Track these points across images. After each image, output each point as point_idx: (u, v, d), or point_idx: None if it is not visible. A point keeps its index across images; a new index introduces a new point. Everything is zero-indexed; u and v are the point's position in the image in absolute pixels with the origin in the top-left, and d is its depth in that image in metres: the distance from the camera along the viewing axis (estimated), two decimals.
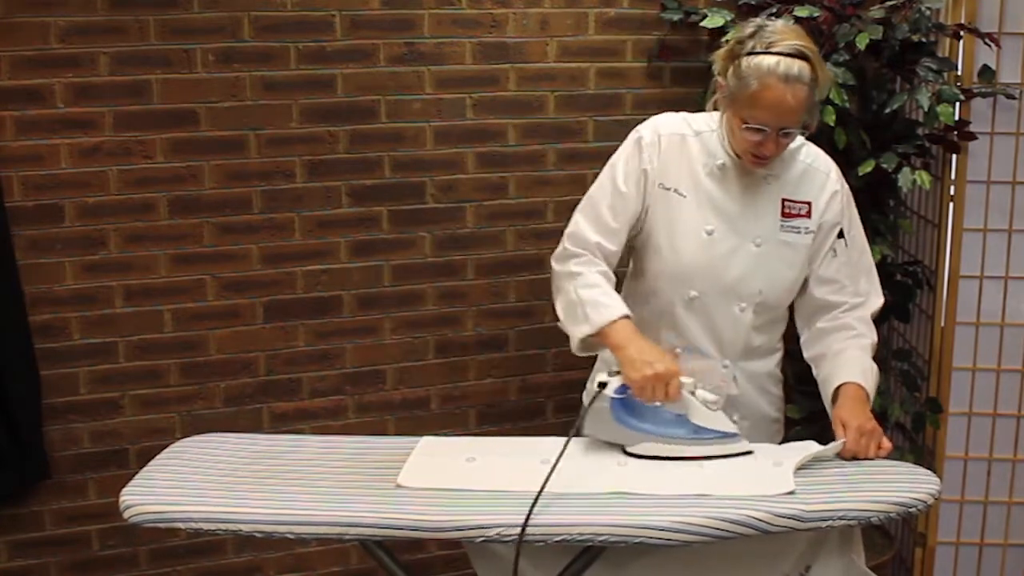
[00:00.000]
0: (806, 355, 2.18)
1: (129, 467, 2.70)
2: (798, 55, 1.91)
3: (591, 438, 2.00)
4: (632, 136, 2.15)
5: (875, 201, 2.82)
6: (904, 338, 3.11)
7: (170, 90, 2.62)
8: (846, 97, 2.59)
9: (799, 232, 2.10)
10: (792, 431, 2.82)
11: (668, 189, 2.09)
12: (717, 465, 1.89)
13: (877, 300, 2.17)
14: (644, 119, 2.92)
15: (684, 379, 1.91)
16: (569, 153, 2.93)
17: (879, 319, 2.97)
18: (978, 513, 2.90)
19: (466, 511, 1.73)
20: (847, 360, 2.06)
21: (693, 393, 1.92)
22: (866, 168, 2.65)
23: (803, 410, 2.87)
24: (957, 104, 2.67)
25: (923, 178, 2.63)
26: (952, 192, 2.79)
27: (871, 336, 2.12)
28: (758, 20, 2.01)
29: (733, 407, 2.13)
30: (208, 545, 2.84)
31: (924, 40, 2.70)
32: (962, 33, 2.69)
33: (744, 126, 1.97)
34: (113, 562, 2.79)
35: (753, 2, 2.82)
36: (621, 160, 2.13)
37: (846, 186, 2.17)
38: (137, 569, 2.82)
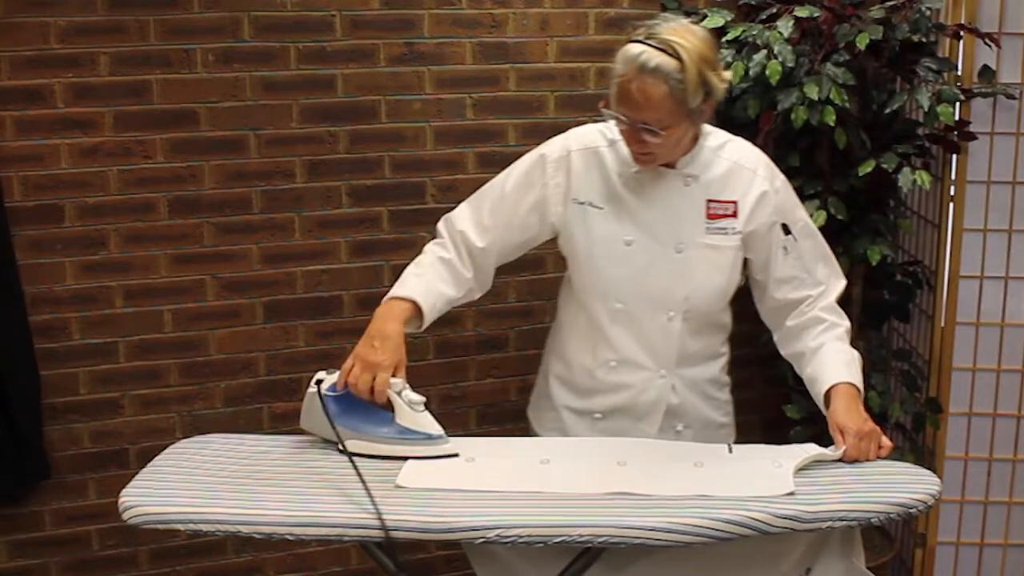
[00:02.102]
0: (783, 353, 2.16)
1: (129, 467, 2.70)
2: (667, 50, 1.84)
3: (587, 440, 2.03)
4: (536, 151, 2.10)
5: (875, 201, 2.82)
6: (904, 338, 3.11)
7: (170, 90, 2.62)
8: (846, 97, 2.59)
9: (726, 233, 2.04)
10: (792, 431, 2.83)
11: (582, 203, 2.05)
12: (718, 466, 1.89)
13: (838, 283, 2.14)
14: None
15: (394, 379, 1.90)
16: None
17: (880, 319, 3.00)
18: (978, 513, 2.90)
19: (465, 512, 1.73)
20: (828, 358, 2.03)
21: (400, 393, 1.92)
22: (866, 168, 2.65)
23: (803, 410, 2.87)
24: (957, 104, 2.67)
25: (923, 178, 2.63)
26: (952, 192, 2.79)
27: (843, 323, 2.09)
28: (667, 14, 1.96)
29: (675, 416, 2.13)
30: (208, 545, 2.85)
31: (924, 40, 2.69)
32: (962, 33, 2.69)
33: (611, 112, 1.93)
34: (113, 562, 2.79)
35: (753, 2, 2.82)
36: (517, 168, 2.10)
37: (780, 178, 2.10)
38: (137, 569, 2.82)
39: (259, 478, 1.88)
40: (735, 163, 2.06)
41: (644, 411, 2.13)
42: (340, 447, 1.90)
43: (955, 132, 2.71)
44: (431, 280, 2.05)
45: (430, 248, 2.12)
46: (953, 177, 2.78)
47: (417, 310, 2.01)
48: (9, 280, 2.54)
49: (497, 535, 1.69)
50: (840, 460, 1.89)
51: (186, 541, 2.80)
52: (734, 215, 2.04)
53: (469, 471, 1.88)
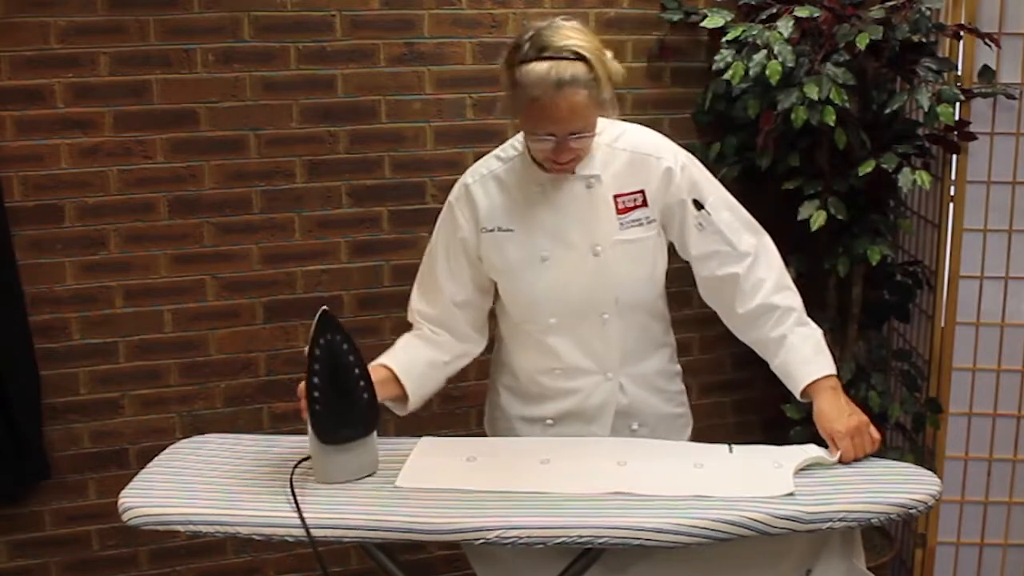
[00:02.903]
0: (742, 339, 2.11)
1: (129, 467, 2.70)
2: (571, 56, 1.81)
3: (587, 440, 2.03)
4: (445, 204, 2.11)
5: (875, 201, 2.82)
6: (904, 338, 3.11)
7: (170, 90, 2.62)
8: (846, 97, 2.59)
9: (641, 224, 2.01)
10: (792, 431, 2.83)
11: (491, 230, 2.03)
12: (718, 466, 1.89)
13: (766, 245, 2.06)
14: (644, 119, 2.94)
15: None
16: None
17: (880, 319, 3.00)
18: (978, 513, 2.90)
19: (465, 513, 1.73)
20: (795, 351, 2.00)
21: None
22: (866, 168, 2.65)
23: (803, 410, 2.87)
24: (957, 104, 2.67)
25: (923, 178, 2.62)
26: (952, 192, 2.78)
27: (795, 303, 2.04)
28: (537, 24, 1.87)
29: (627, 416, 2.12)
30: (208, 545, 2.85)
31: (924, 40, 2.69)
32: (962, 33, 2.68)
33: (533, 137, 1.88)
34: (113, 562, 2.80)
35: (753, 2, 2.81)
36: (437, 227, 2.12)
37: (683, 154, 2.05)
38: (137, 569, 2.82)
39: (259, 478, 1.88)
40: (634, 152, 2.02)
41: (593, 414, 2.12)
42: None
43: (955, 132, 2.71)
44: (399, 350, 2.08)
45: (402, 336, 2.15)
46: (953, 177, 2.78)
47: (390, 373, 2.02)
48: (9, 280, 2.55)
49: (497, 536, 1.69)
50: (839, 462, 1.89)
51: (186, 541, 2.80)
52: (644, 204, 2.02)
53: (469, 471, 1.88)
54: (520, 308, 2.08)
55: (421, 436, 2.06)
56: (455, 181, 2.83)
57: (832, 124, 2.59)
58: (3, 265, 2.53)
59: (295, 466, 1.88)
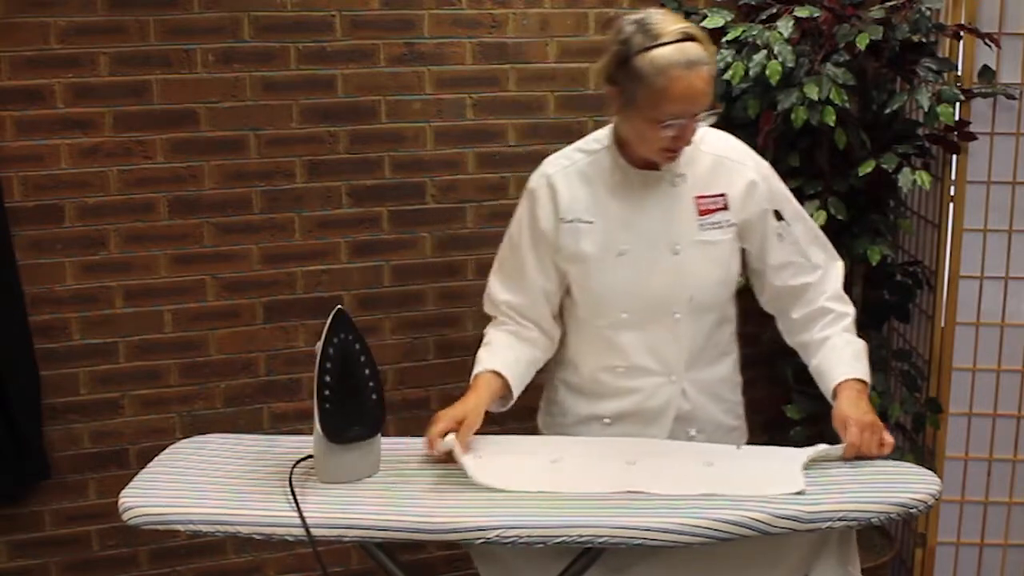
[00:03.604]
0: (788, 342, 2.15)
1: (129, 467, 2.70)
2: (689, 38, 1.85)
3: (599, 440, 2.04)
4: (524, 191, 2.11)
5: (875, 201, 2.82)
6: (904, 338, 3.11)
7: (170, 90, 2.62)
8: (846, 97, 2.59)
9: (720, 227, 2.03)
10: (792, 431, 2.83)
11: (571, 221, 2.03)
12: (727, 464, 1.88)
13: (836, 264, 2.12)
14: None
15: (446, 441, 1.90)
16: None
17: (880, 319, 3.00)
18: (978, 513, 2.90)
19: (465, 512, 1.73)
20: (835, 351, 2.03)
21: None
22: (866, 168, 2.65)
23: (803, 411, 2.88)
24: (957, 104, 2.67)
25: (923, 178, 2.63)
26: (952, 192, 2.78)
27: (849, 311, 2.08)
28: (632, 16, 1.90)
29: (686, 421, 2.12)
30: (208, 545, 2.85)
31: (924, 40, 2.69)
32: (962, 33, 2.68)
33: (661, 125, 1.88)
34: (113, 562, 2.79)
35: (753, 2, 2.82)
36: (516, 217, 2.11)
37: (764, 165, 2.09)
38: (137, 569, 2.82)
39: (259, 478, 1.88)
40: (718, 155, 2.05)
41: (652, 416, 2.11)
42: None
43: (955, 132, 2.71)
44: (501, 350, 2.08)
45: (489, 330, 2.15)
46: (953, 177, 2.78)
47: (499, 377, 2.03)
48: (9, 280, 2.54)
49: (497, 535, 1.69)
50: (843, 456, 1.88)
51: (186, 541, 2.80)
52: (725, 207, 2.03)
53: (477, 467, 1.87)
54: (592, 301, 2.08)
55: (421, 436, 2.06)
56: (455, 181, 2.87)
57: (832, 124, 2.59)
58: (3, 265, 2.53)
59: (294, 465, 1.88)
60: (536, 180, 2.08)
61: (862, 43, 2.56)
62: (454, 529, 1.70)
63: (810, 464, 1.87)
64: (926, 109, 2.59)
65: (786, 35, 2.62)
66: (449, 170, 2.86)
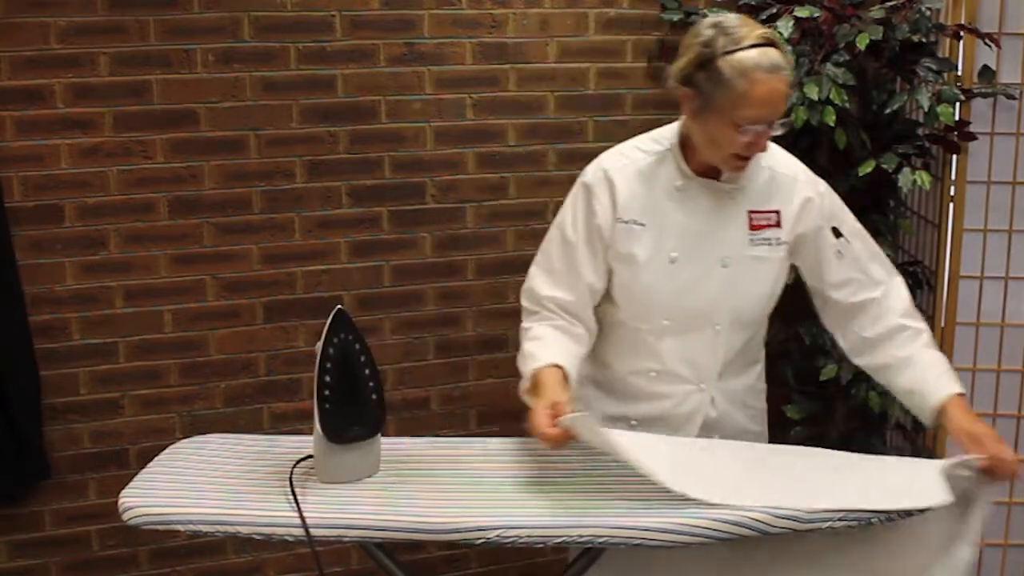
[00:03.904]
0: (856, 362, 2.10)
1: (129, 467, 2.70)
2: (770, 43, 1.84)
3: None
4: (577, 184, 2.07)
5: (875, 201, 2.82)
6: None
7: (170, 90, 2.62)
8: (846, 97, 2.59)
9: (770, 244, 2.02)
10: (792, 431, 2.83)
11: (627, 222, 2.01)
12: (863, 475, 1.84)
13: (898, 280, 2.10)
14: (644, 119, 2.95)
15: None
16: (569, 153, 2.93)
17: None
18: None
19: (465, 512, 1.73)
20: (926, 368, 1.99)
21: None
22: (866, 168, 2.65)
23: (803, 411, 2.88)
24: (957, 104, 2.67)
25: (923, 178, 2.63)
26: (952, 192, 2.78)
27: (924, 327, 2.05)
28: (710, 19, 1.90)
29: (712, 429, 2.12)
30: (208, 545, 2.85)
31: (924, 40, 2.69)
32: (962, 33, 2.68)
33: (738, 130, 1.86)
34: (113, 562, 2.79)
35: (753, 2, 2.82)
36: (568, 209, 2.07)
37: (820, 183, 2.07)
38: (137, 569, 2.82)
39: (259, 478, 1.88)
40: (774, 171, 2.03)
41: (680, 422, 2.12)
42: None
43: (955, 132, 2.71)
44: (554, 344, 2.01)
45: (532, 323, 2.07)
46: (953, 177, 2.78)
47: (558, 369, 1.95)
48: (9, 280, 2.54)
49: (497, 535, 1.69)
50: (980, 470, 1.79)
51: (186, 541, 2.80)
52: (777, 224, 2.02)
53: (635, 439, 1.84)
54: (635, 304, 2.06)
55: (421, 436, 2.06)
56: (455, 181, 2.87)
57: (832, 124, 2.59)
58: (3, 265, 2.53)
59: (295, 465, 1.88)
60: (593, 174, 2.04)
61: (862, 43, 2.56)
62: (454, 529, 1.70)
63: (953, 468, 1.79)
64: (926, 109, 2.59)
65: (786, 35, 2.62)
66: (449, 170, 2.86)
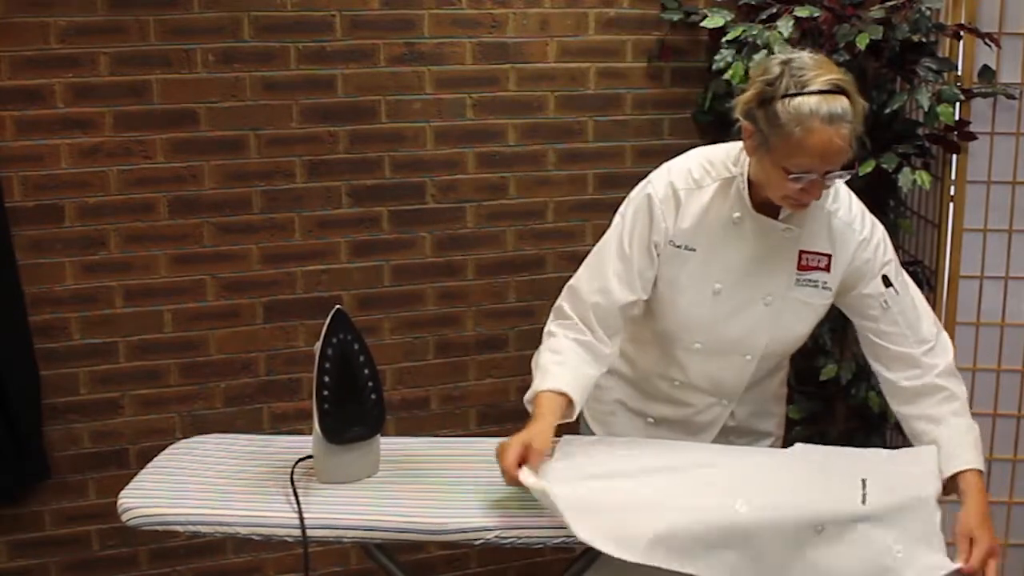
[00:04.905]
0: (891, 403, 2.04)
1: (129, 467, 2.70)
2: (837, 91, 1.76)
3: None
4: (642, 190, 1.99)
5: (875, 201, 2.81)
6: None
7: (170, 90, 2.62)
8: None
9: (816, 286, 1.97)
10: (792, 431, 2.82)
11: (679, 247, 1.96)
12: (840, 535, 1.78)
13: (944, 336, 2.02)
14: (644, 119, 2.95)
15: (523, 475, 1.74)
16: (569, 153, 2.93)
17: None
18: None
19: (465, 513, 1.73)
20: (955, 436, 1.92)
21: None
22: (866, 168, 2.65)
23: (803, 411, 2.88)
24: (957, 104, 2.67)
25: (923, 178, 2.63)
26: (952, 192, 2.78)
27: (962, 392, 1.98)
28: (782, 56, 1.83)
29: (731, 432, 2.13)
30: (208, 545, 2.84)
31: (924, 40, 2.69)
32: (962, 33, 2.68)
33: (789, 176, 1.79)
34: (113, 562, 2.79)
35: (753, 2, 2.82)
36: (629, 218, 1.99)
37: (878, 230, 2.01)
38: (137, 569, 2.82)
39: (258, 479, 1.88)
40: (832, 214, 1.97)
41: (698, 428, 2.13)
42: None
43: (955, 132, 2.71)
44: (573, 366, 1.94)
45: (560, 332, 1.99)
46: (953, 177, 2.78)
47: (564, 396, 1.89)
48: (9, 280, 2.54)
49: (497, 535, 1.69)
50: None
51: (186, 541, 2.80)
52: (827, 268, 1.97)
53: (567, 503, 1.69)
54: (672, 324, 2.04)
55: (420, 436, 2.06)
56: (455, 181, 2.87)
57: None
58: (3, 265, 2.53)
59: (295, 464, 1.88)
60: (662, 189, 1.97)
61: (862, 43, 2.56)
62: (454, 529, 1.71)
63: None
64: (926, 109, 2.59)
65: (786, 35, 2.62)
66: (449, 170, 2.86)
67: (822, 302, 1.99)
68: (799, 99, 1.74)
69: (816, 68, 1.78)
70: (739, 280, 1.97)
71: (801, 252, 1.96)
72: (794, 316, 2.00)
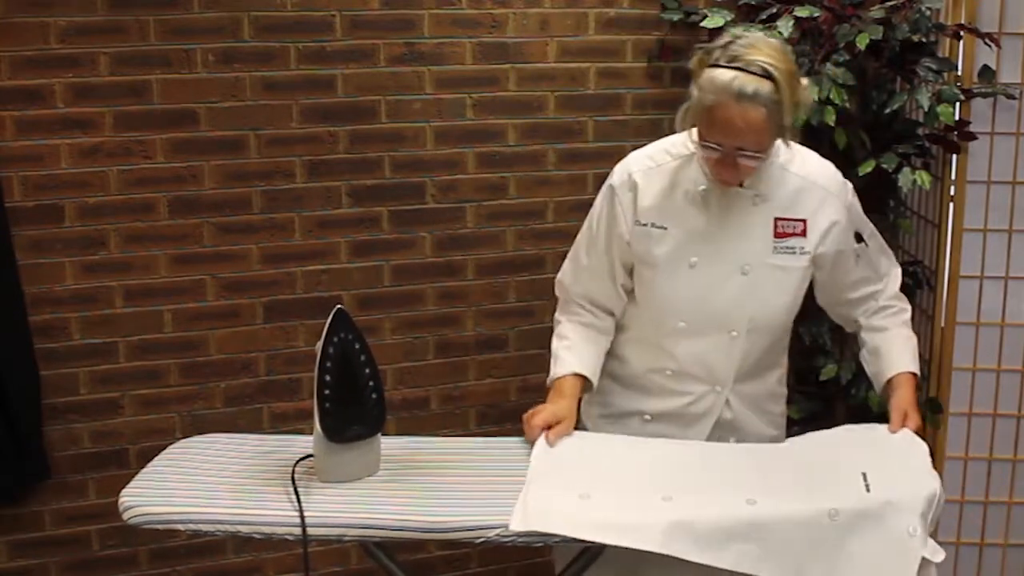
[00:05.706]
0: (848, 330, 2.24)
1: (129, 467, 2.70)
2: (760, 73, 1.78)
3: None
4: (605, 185, 2.10)
5: (875, 201, 2.82)
6: None
7: (170, 90, 2.62)
8: (846, 97, 2.59)
9: (794, 253, 2.01)
10: (792, 431, 2.82)
11: (644, 225, 2.02)
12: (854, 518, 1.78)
13: (897, 271, 2.22)
14: (644, 119, 2.95)
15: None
16: (569, 153, 2.93)
17: None
18: (978, 513, 2.90)
19: (465, 512, 1.73)
20: (895, 343, 2.13)
21: None
22: (866, 168, 2.65)
23: (803, 411, 2.88)
24: (957, 104, 2.67)
25: (923, 178, 2.63)
26: (952, 192, 2.78)
27: (907, 307, 2.20)
28: (737, 30, 1.88)
29: (727, 429, 2.13)
30: (208, 545, 2.85)
31: (924, 40, 2.69)
32: (962, 33, 2.68)
33: (701, 143, 1.87)
34: (113, 562, 2.79)
35: (753, 2, 2.82)
36: (595, 209, 2.11)
37: (849, 188, 2.09)
38: (137, 569, 2.82)
39: (259, 478, 1.88)
40: (805, 179, 2.02)
41: (693, 419, 2.13)
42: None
43: (955, 132, 2.71)
44: (581, 348, 2.10)
45: (563, 318, 2.16)
46: (953, 177, 2.78)
47: (581, 378, 2.07)
48: (9, 280, 2.54)
49: (497, 535, 1.69)
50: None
51: (186, 541, 2.80)
52: (803, 234, 2.01)
53: (586, 511, 1.75)
54: (653, 305, 2.08)
55: (420, 436, 2.06)
56: (455, 181, 2.87)
57: (832, 124, 2.59)
58: (3, 265, 2.53)
59: (295, 464, 1.88)
60: (619, 176, 2.06)
61: (862, 43, 2.56)
62: (454, 529, 1.71)
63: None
64: (926, 109, 2.59)
65: (786, 35, 2.61)
66: (449, 170, 2.86)
67: (800, 265, 2.03)
68: (720, 71, 1.80)
69: (755, 48, 1.82)
70: (715, 252, 2.00)
71: (776, 219, 2.00)
72: (775, 285, 2.03)
